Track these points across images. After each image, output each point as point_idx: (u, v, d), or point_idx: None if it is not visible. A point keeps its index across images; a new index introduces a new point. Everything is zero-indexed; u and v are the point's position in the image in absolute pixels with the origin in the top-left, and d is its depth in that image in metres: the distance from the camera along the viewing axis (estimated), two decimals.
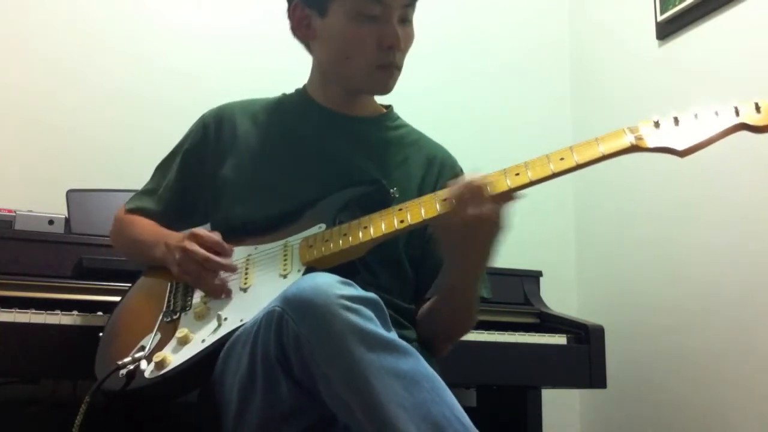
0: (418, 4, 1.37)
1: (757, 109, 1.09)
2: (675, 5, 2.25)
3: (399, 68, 1.37)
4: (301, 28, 1.40)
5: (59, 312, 1.47)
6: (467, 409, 0.97)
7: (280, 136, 1.43)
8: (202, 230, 1.28)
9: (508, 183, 1.14)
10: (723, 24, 2.11)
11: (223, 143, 1.42)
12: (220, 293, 1.24)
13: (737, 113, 1.09)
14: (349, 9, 1.31)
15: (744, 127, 1.09)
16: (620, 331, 2.21)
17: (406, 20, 1.35)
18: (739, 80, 2.01)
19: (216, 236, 1.28)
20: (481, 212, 1.12)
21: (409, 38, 1.37)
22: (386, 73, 1.35)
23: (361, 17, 1.31)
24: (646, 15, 2.37)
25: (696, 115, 1.11)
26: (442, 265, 1.31)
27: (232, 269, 1.26)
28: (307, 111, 1.45)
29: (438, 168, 1.45)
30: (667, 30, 2.30)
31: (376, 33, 1.31)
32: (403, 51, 1.36)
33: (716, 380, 2.01)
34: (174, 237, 1.32)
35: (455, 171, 1.46)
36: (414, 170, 1.42)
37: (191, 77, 2.34)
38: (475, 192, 1.13)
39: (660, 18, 2.31)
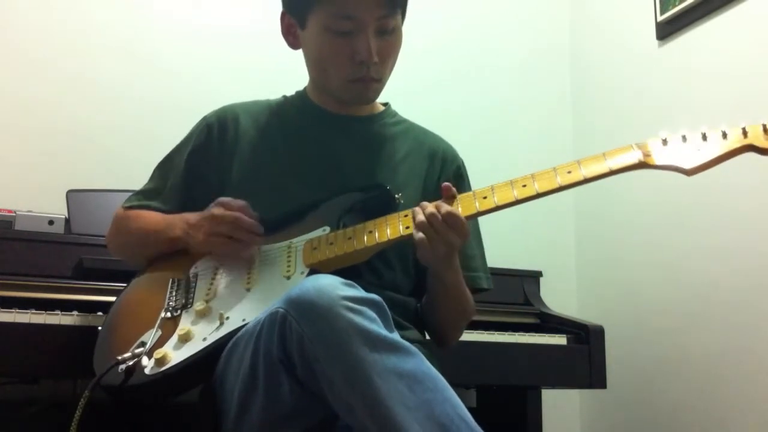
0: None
1: (765, 130, 1.10)
2: (675, 5, 2.25)
3: (378, 80, 1.35)
4: (288, 36, 1.41)
5: (59, 312, 1.46)
6: (467, 410, 0.97)
7: (282, 138, 1.43)
8: (227, 198, 1.28)
9: (515, 194, 1.16)
10: (723, 24, 2.11)
11: (227, 145, 1.42)
12: (247, 255, 1.26)
13: (745, 134, 1.10)
14: (323, 23, 1.31)
15: (751, 148, 1.10)
16: (620, 331, 2.21)
17: (385, 31, 1.32)
18: (739, 80, 2.01)
19: (241, 201, 1.28)
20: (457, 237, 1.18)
21: (389, 49, 1.35)
22: (362, 86, 1.35)
23: (335, 32, 1.30)
24: (646, 15, 2.37)
25: (704, 135, 1.12)
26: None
27: (258, 230, 1.26)
28: (307, 112, 1.45)
29: (440, 161, 1.45)
30: (667, 30, 2.30)
31: (349, 47, 1.31)
32: (381, 63, 1.33)
33: (716, 380, 2.01)
34: (193, 215, 1.32)
35: (457, 163, 1.48)
36: (417, 165, 1.43)
37: (192, 77, 2.34)
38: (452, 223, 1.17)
39: (660, 18, 2.31)
